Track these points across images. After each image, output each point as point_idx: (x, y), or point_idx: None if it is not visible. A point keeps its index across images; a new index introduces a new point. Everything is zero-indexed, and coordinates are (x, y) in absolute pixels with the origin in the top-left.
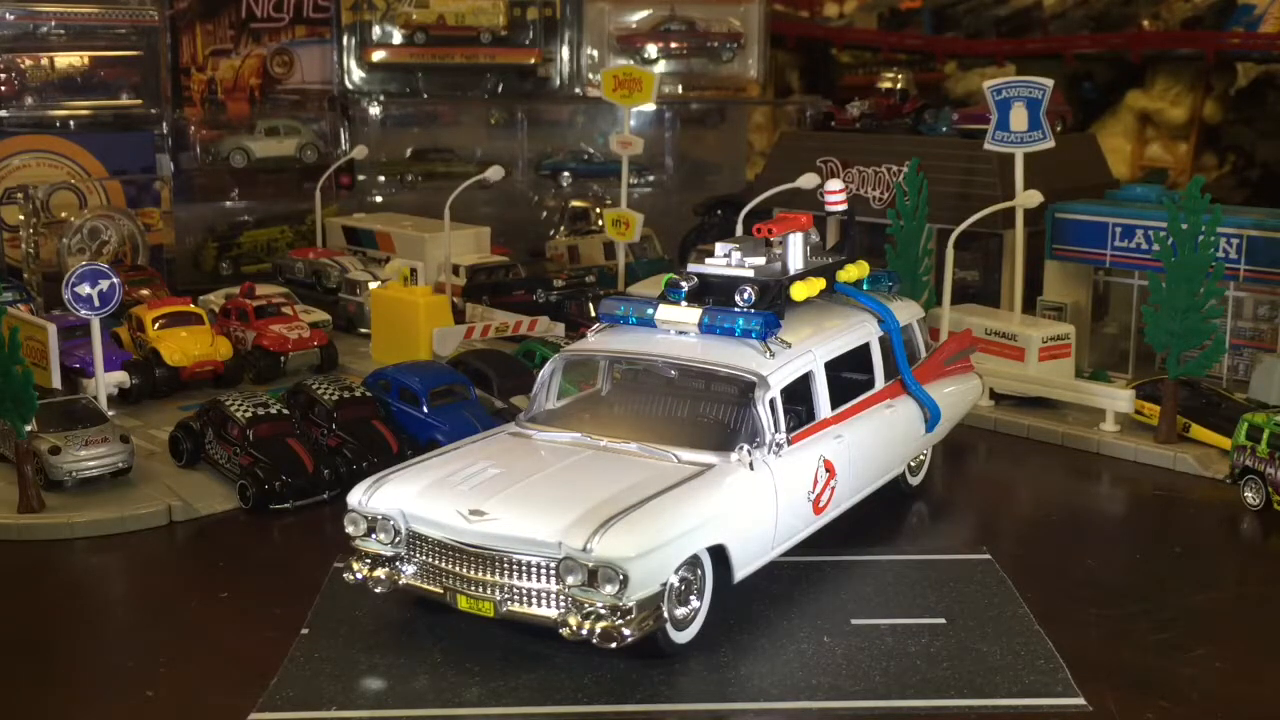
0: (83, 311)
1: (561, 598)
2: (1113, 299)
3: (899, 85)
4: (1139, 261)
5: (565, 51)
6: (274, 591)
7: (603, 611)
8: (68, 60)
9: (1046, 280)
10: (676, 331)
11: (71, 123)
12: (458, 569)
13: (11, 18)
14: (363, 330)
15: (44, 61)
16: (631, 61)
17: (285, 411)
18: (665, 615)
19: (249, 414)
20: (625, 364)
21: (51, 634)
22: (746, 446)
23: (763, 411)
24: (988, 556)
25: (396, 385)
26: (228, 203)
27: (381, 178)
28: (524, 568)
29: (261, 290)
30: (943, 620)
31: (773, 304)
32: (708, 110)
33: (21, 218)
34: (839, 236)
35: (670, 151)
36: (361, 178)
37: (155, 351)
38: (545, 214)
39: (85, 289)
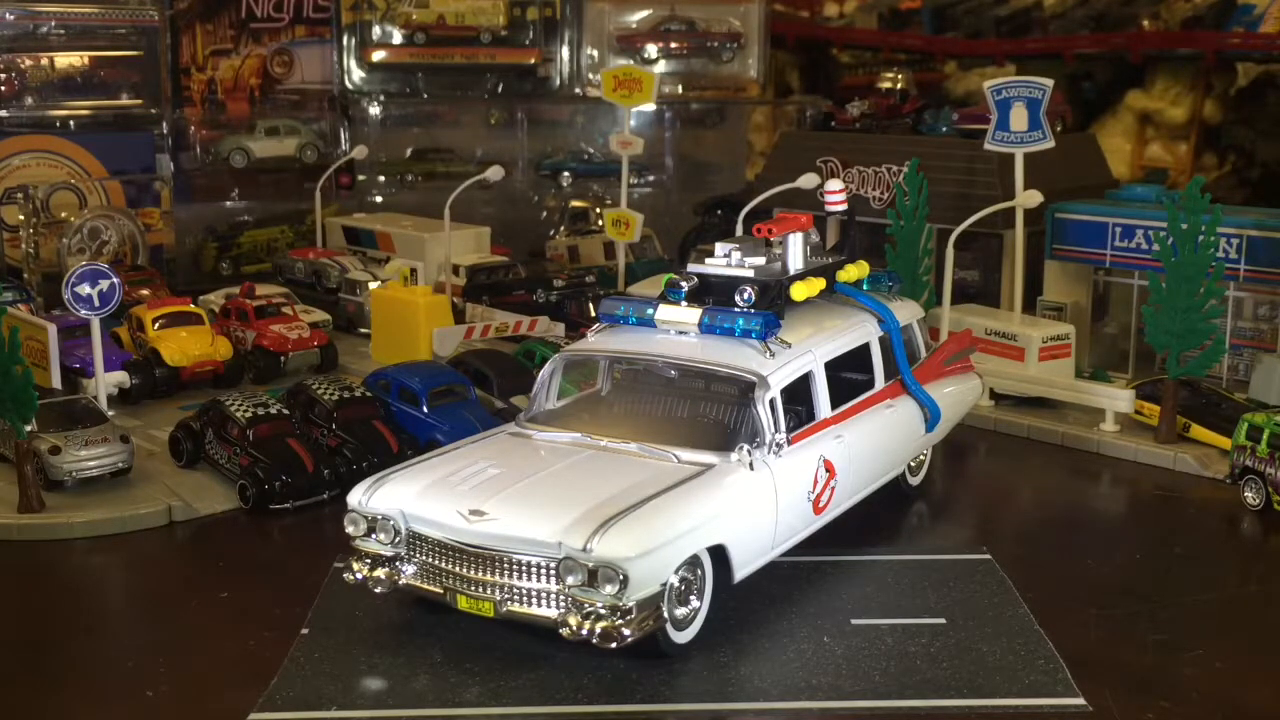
0: (83, 311)
1: (561, 598)
2: (1113, 299)
3: (899, 85)
4: (1139, 261)
5: (565, 51)
6: (274, 591)
7: (603, 611)
8: (68, 60)
9: (1046, 280)
10: (676, 331)
11: (71, 123)
12: (458, 569)
13: (11, 18)
14: (363, 330)
15: (44, 61)
16: (631, 61)
17: (285, 411)
18: (665, 615)
19: (249, 414)
20: (625, 364)
21: (51, 634)
22: (746, 446)
23: (763, 411)
24: (988, 556)
25: (396, 385)
26: (228, 203)
27: (381, 178)
28: (524, 568)
29: (261, 290)
30: (943, 620)
31: (773, 304)
32: (708, 110)
33: (21, 218)
34: (839, 236)
35: (670, 151)
36: (361, 178)
37: (155, 351)
38: (545, 214)
39: (85, 289)
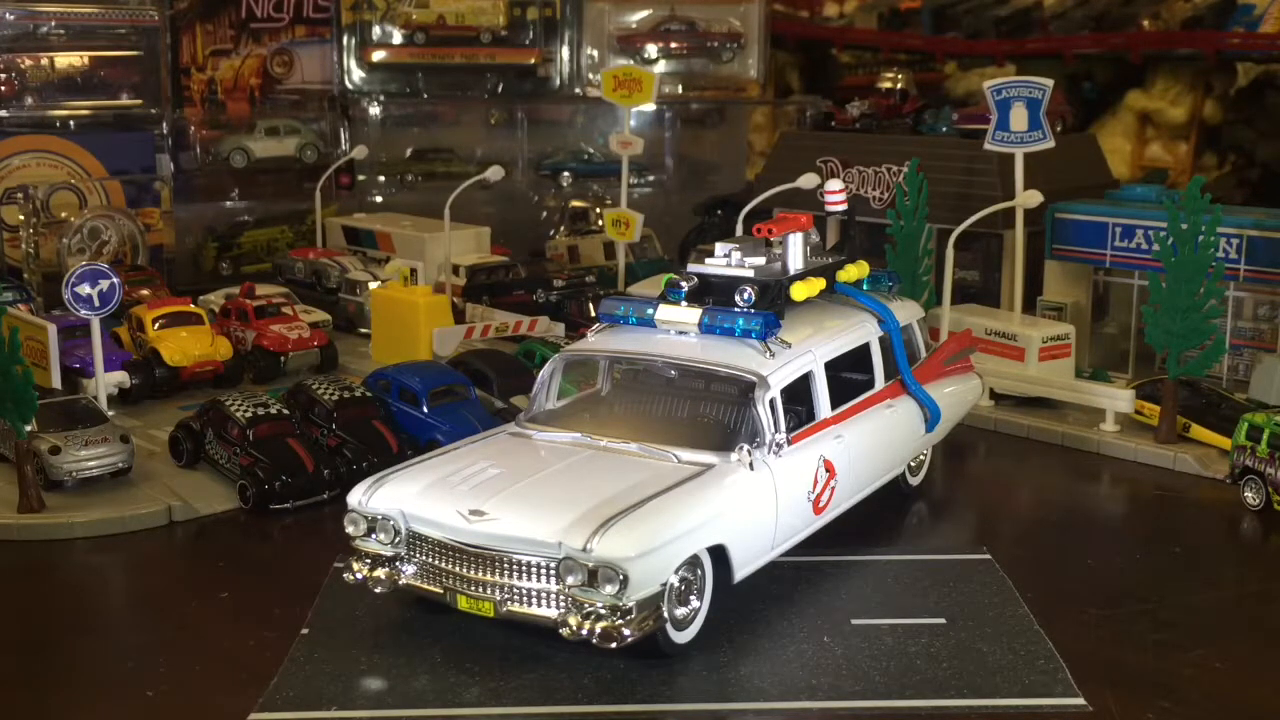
0: (83, 311)
1: (561, 598)
2: (1113, 299)
3: (899, 85)
4: (1139, 261)
5: (565, 51)
6: (274, 591)
7: (603, 611)
8: (68, 60)
9: (1046, 280)
10: (676, 331)
11: (71, 123)
12: (458, 569)
13: (11, 18)
14: (363, 330)
15: (44, 61)
16: (631, 61)
17: (285, 411)
18: (665, 615)
19: (249, 414)
20: (625, 364)
21: (51, 634)
22: (746, 446)
23: (763, 411)
24: (988, 556)
25: (396, 385)
26: (228, 203)
27: (381, 178)
28: (524, 568)
29: (261, 290)
30: (943, 620)
31: (773, 304)
32: (708, 110)
33: (21, 218)
34: (839, 236)
35: (670, 151)
36: (361, 178)
37: (155, 351)
38: (545, 214)
39: (85, 289)
